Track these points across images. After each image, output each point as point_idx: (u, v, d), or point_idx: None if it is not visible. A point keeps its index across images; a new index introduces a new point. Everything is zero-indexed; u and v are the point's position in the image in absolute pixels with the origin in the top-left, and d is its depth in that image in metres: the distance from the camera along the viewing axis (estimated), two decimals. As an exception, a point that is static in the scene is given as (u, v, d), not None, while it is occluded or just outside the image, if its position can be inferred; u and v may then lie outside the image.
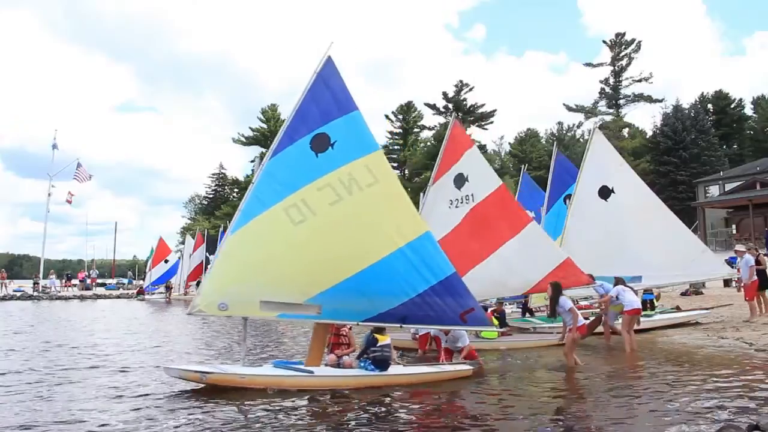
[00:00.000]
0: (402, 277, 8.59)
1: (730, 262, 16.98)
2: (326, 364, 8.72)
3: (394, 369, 8.55)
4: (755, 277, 13.76)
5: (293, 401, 7.26)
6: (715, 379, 7.96)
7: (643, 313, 14.62)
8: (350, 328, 9.32)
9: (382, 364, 8.28)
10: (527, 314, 15.97)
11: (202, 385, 7.81)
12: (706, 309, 15.16)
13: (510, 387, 8.50)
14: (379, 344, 8.30)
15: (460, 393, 8.04)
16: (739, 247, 15.10)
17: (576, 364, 9.43)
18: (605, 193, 14.26)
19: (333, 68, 9.11)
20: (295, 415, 6.70)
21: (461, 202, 12.91)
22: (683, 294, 20.47)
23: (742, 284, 14.51)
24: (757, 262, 13.91)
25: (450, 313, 8.78)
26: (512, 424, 6.24)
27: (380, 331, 8.51)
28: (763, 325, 12.48)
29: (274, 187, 8.65)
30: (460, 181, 13.02)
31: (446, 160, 13.27)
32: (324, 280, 8.44)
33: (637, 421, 6.11)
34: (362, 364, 8.35)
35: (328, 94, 9.02)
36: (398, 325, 8.82)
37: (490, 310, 13.21)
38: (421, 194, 14.33)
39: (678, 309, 15.46)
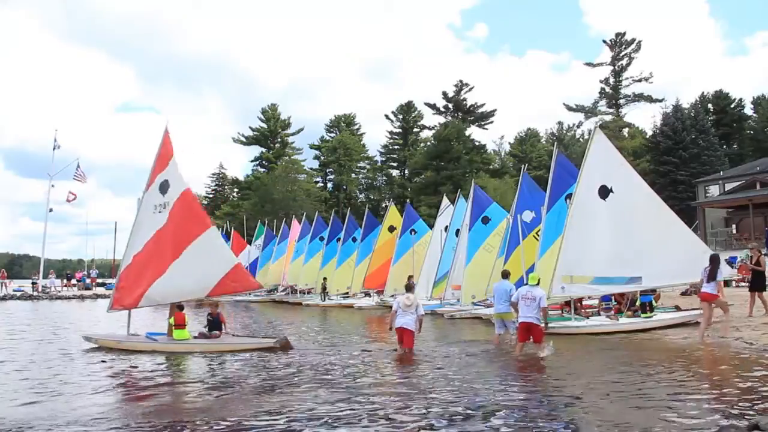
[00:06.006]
0: None
1: (730, 263, 16.98)
2: None
3: None
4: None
5: None
6: (715, 378, 7.97)
7: (642, 314, 14.68)
8: None
9: None
10: None
11: None
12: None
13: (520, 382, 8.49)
14: None
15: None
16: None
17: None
18: (604, 192, 14.23)
19: None
20: None
21: (164, 208, 13.63)
22: (683, 294, 20.45)
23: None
24: (757, 263, 13.90)
25: None
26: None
27: None
28: (763, 324, 12.48)
29: None
30: (164, 187, 13.77)
31: (157, 168, 13.96)
32: None
33: (636, 421, 6.11)
34: None
35: None
36: None
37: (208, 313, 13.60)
38: (137, 200, 15.04)
39: (678, 309, 15.46)
